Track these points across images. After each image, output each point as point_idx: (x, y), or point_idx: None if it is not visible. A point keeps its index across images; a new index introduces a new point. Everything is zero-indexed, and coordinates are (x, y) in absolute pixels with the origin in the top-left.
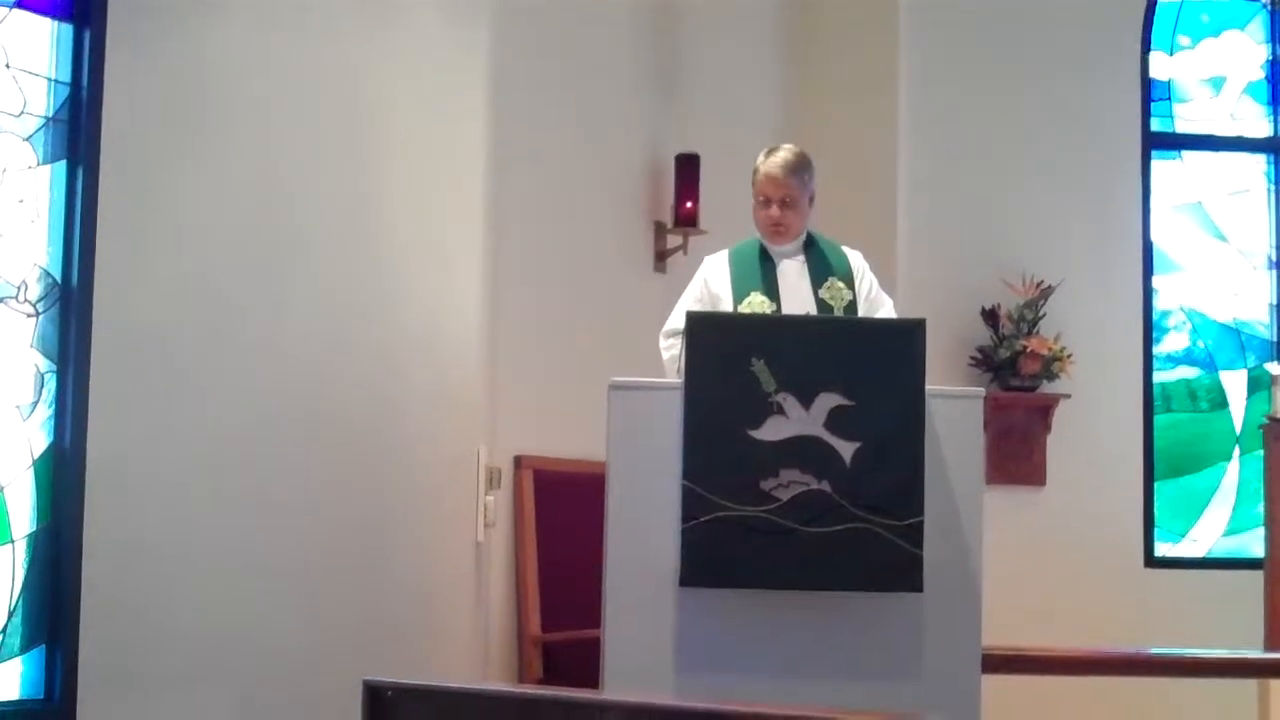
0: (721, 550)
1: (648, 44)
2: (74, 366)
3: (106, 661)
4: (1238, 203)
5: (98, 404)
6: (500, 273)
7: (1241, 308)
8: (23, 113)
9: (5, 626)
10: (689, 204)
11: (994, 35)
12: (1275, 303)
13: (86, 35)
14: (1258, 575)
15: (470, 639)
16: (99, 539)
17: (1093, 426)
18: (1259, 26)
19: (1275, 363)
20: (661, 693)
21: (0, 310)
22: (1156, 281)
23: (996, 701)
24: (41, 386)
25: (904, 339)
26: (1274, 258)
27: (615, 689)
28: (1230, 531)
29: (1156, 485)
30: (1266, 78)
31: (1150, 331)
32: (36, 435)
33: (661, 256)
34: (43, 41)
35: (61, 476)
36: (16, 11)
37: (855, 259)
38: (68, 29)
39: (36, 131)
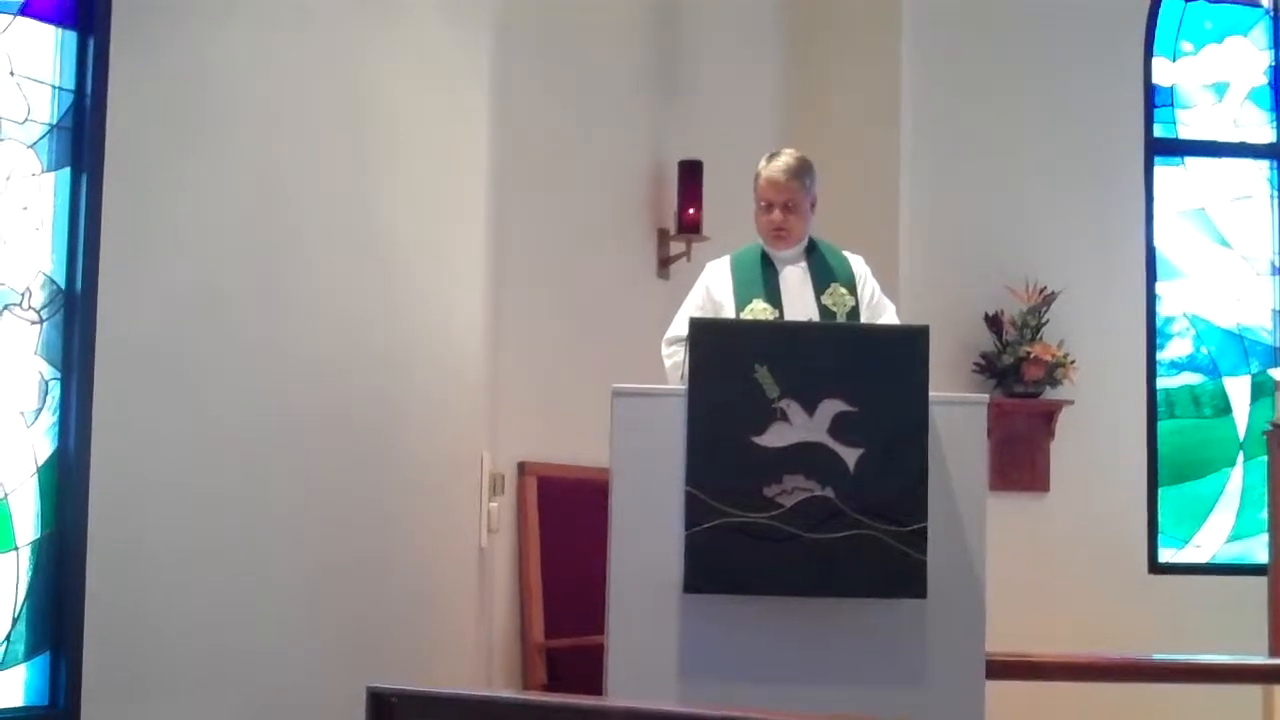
0: (725, 556)
1: (650, 49)
2: (78, 373)
3: (110, 668)
4: (1241, 209)
5: (101, 411)
6: (503, 278)
7: (1245, 314)
8: (27, 120)
9: (9, 633)
10: (692, 210)
11: (996, 41)
12: (1278, 308)
13: (90, 42)
14: (1261, 581)
15: (474, 645)
16: (103, 545)
17: (1096, 432)
18: (1262, 32)
19: (1278, 368)
20: (665, 699)
21: (4, 317)
22: (1160, 287)
23: (1000, 708)
24: (45, 393)
25: (908, 345)
26: (1277, 263)
27: (619, 695)
28: (1234, 537)
29: (1160, 491)
30: (1269, 84)
31: (1154, 337)
32: (40, 442)
33: (665, 263)
34: (47, 49)
35: (65, 483)
36: (21, 19)
37: (857, 264)
38: (72, 36)
39: (41, 138)
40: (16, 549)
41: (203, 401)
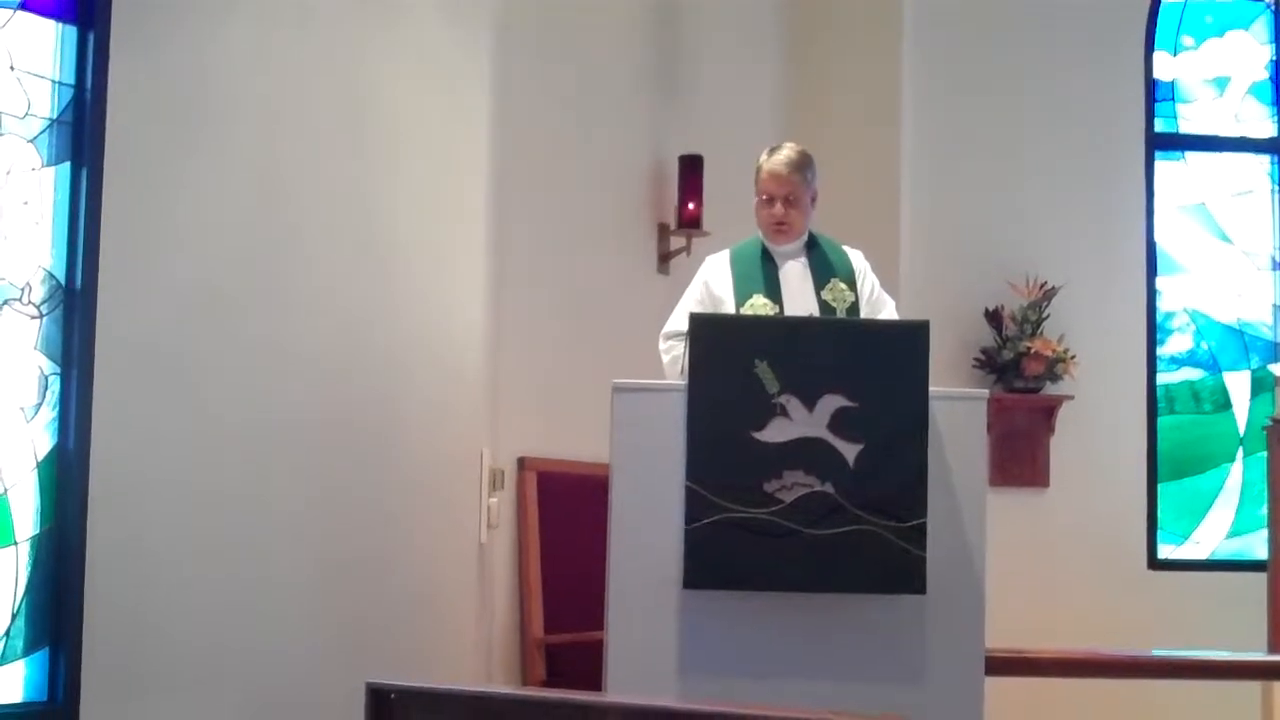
0: (725, 552)
1: (650, 45)
2: (78, 369)
3: (110, 664)
4: (1241, 204)
5: (101, 406)
6: (503, 274)
7: (1245, 309)
8: (27, 114)
9: (9, 629)
10: (692, 205)
11: (997, 37)
12: (1279, 303)
13: (90, 37)
14: (1261, 577)
15: (473, 641)
16: (102, 541)
17: (1096, 428)
18: (1263, 27)
19: (1279, 364)
20: (665, 695)
21: (4, 312)
22: (1160, 283)
23: (999, 703)
24: (45, 389)
25: (908, 341)
26: (1278, 259)
27: (618, 691)
28: (1234, 533)
29: (1160, 487)
30: (1270, 78)
31: (1154, 333)
32: (40, 437)
33: (665, 258)
34: (47, 43)
35: (65, 479)
36: (21, 14)
37: (857, 259)
38: (72, 31)
39: (41, 133)
40: (16, 544)
41: (202, 397)
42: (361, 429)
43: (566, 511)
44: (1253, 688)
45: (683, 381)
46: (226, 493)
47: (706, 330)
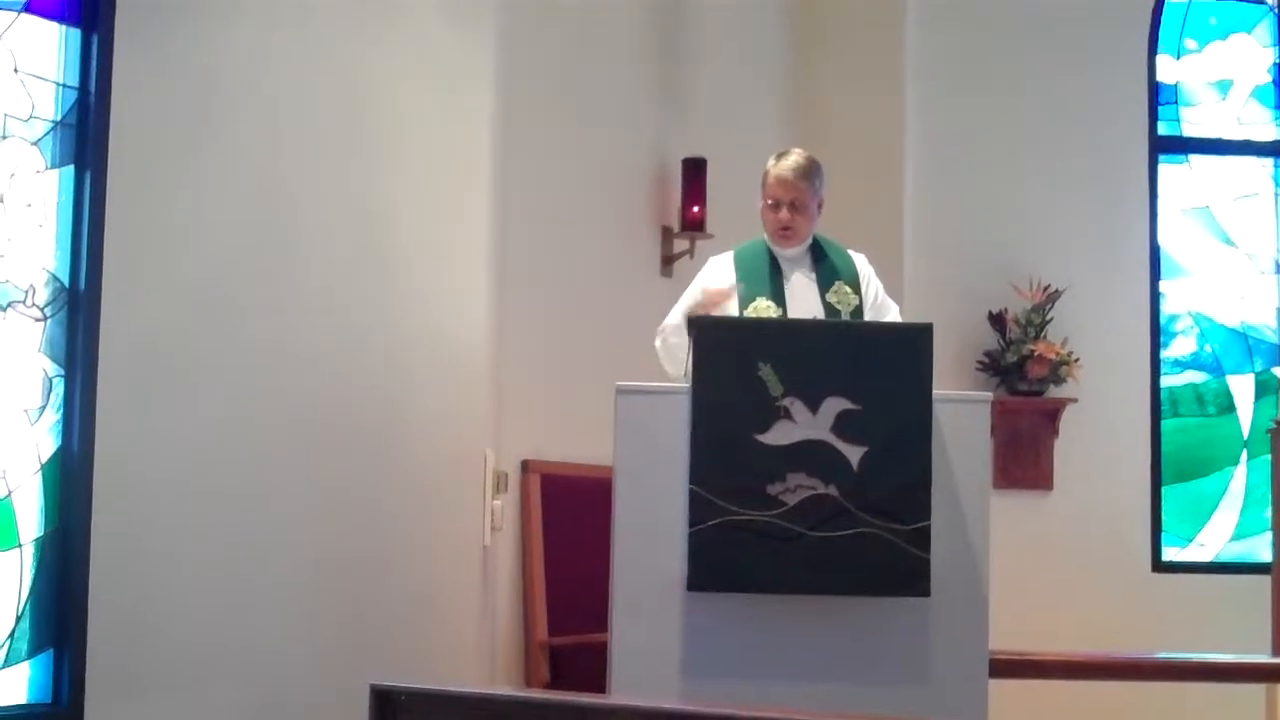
0: (728, 555)
1: (654, 48)
2: (82, 371)
3: (114, 665)
4: (1245, 207)
5: (105, 408)
6: (506, 276)
7: (1249, 312)
8: (31, 117)
9: (13, 631)
10: (696, 208)
11: (1000, 39)
12: None
13: (94, 40)
14: (1265, 580)
15: (476, 643)
16: (106, 543)
17: (1100, 431)
18: (1266, 30)
19: None
20: (668, 697)
21: (8, 315)
22: (1164, 286)
23: (1003, 706)
24: (49, 391)
25: (911, 343)
26: None
27: (622, 693)
28: (1237, 536)
29: (1164, 490)
30: (1274, 81)
31: (1158, 336)
32: (44, 440)
33: (668, 261)
34: (51, 46)
35: (69, 481)
36: (25, 16)
37: (861, 262)
38: (75, 33)
39: (44, 136)
40: (20, 546)
41: (206, 399)
42: (364, 431)
43: (570, 514)
44: (1257, 690)
45: (685, 381)
46: (230, 494)
47: (710, 333)
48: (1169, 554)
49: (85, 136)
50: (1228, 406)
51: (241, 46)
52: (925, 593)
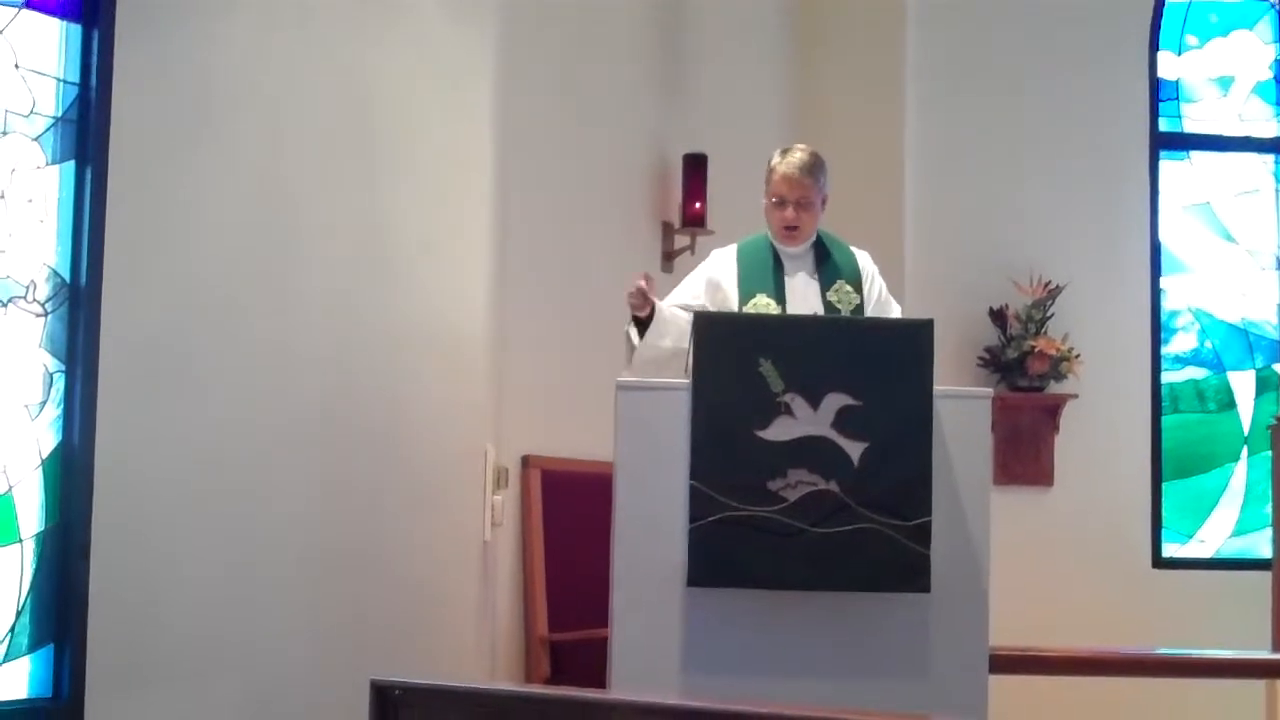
0: (729, 550)
1: (655, 44)
2: (82, 366)
3: (114, 660)
4: (1246, 203)
5: (106, 404)
6: (507, 272)
7: (1249, 308)
8: (31, 113)
9: (14, 625)
10: (696, 204)
11: (1001, 35)
12: None
13: (95, 35)
14: (1265, 576)
15: (477, 638)
16: (107, 538)
17: (1100, 427)
18: (1267, 26)
19: None
20: (669, 692)
21: (9, 310)
22: (1164, 282)
23: (1004, 702)
24: (50, 386)
25: (912, 339)
26: None
27: (623, 689)
28: (1238, 532)
29: (1164, 486)
30: (1275, 77)
31: (1158, 332)
32: (45, 435)
33: (669, 256)
34: (51, 42)
35: (69, 476)
36: (25, 12)
37: (864, 260)
38: (76, 29)
39: (45, 131)
40: (21, 541)
41: (206, 395)
42: (365, 426)
43: (570, 509)
44: (1256, 686)
45: (687, 379)
46: (230, 489)
47: (711, 328)
48: (1169, 550)
49: (86, 132)
50: (1228, 403)
51: (242, 43)
52: (925, 588)
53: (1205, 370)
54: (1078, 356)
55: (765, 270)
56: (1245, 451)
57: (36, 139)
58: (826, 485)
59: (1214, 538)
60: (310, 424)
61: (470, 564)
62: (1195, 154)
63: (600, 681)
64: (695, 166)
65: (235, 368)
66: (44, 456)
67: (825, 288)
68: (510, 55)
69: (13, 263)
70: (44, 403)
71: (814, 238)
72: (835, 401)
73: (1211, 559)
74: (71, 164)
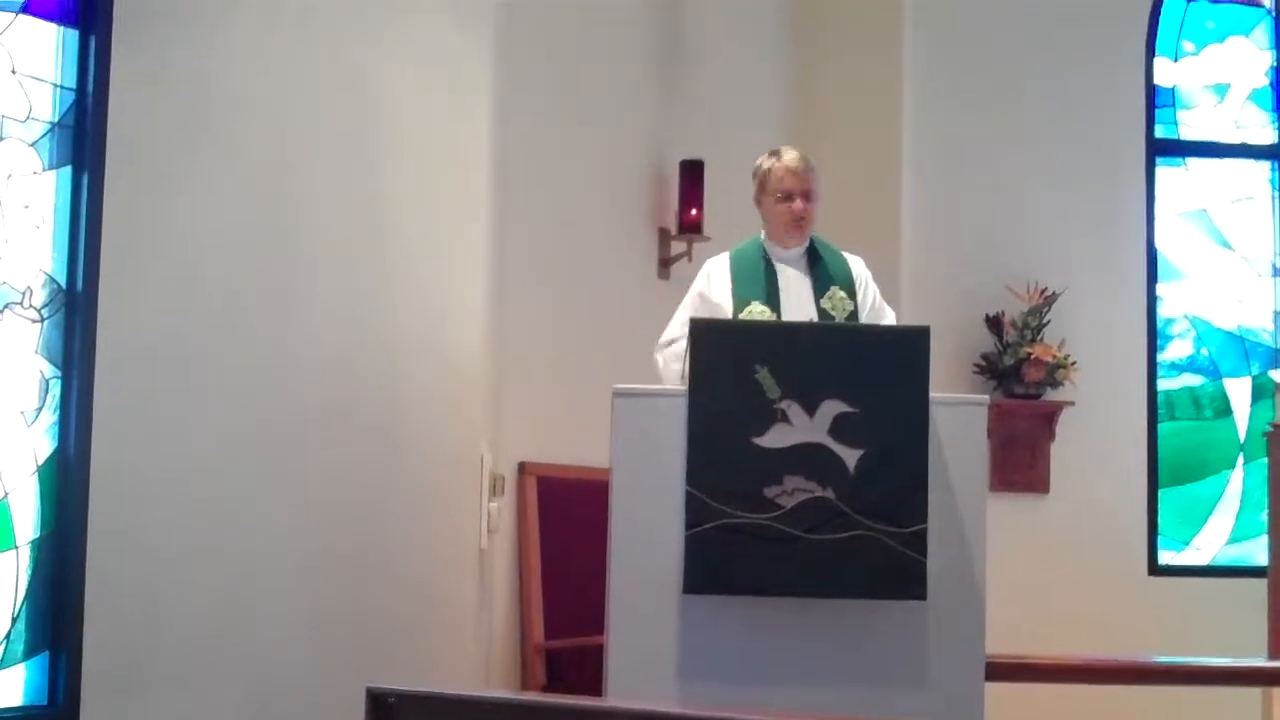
0: (725, 557)
1: (653, 50)
2: (79, 372)
3: (111, 667)
4: (1242, 210)
5: (102, 410)
6: (505, 278)
7: (1245, 315)
8: (28, 118)
9: (9, 632)
10: (693, 210)
11: (997, 41)
12: (1279, 310)
13: (92, 41)
14: (1261, 583)
15: (473, 646)
16: (103, 544)
17: (1097, 434)
18: (1263, 33)
19: (1279, 370)
20: (665, 700)
21: (5, 316)
22: (1160, 289)
23: (999, 709)
24: (46, 392)
25: (908, 346)
26: (1278, 265)
27: (619, 696)
28: (1234, 539)
29: (1160, 493)
30: (1271, 84)
31: (1154, 339)
32: (41, 441)
33: (666, 263)
34: (48, 47)
35: (66, 482)
36: (22, 17)
37: (857, 266)
38: (73, 34)
39: (42, 137)
40: (17, 548)
41: (203, 401)
42: (362, 432)
43: (567, 516)
44: (1253, 694)
45: (684, 387)
46: (227, 496)
47: (707, 336)
48: (1165, 557)
49: (83, 138)
50: (1224, 410)
51: (240, 48)
52: (922, 596)
53: (1201, 377)
54: (1074, 363)
55: (759, 277)
56: (1241, 458)
57: (33, 144)
58: (823, 492)
59: (1210, 545)
60: (306, 431)
61: (466, 570)
62: (1191, 160)
63: (596, 689)
64: (692, 173)
65: (232, 373)
66: (40, 462)
67: (819, 294)
68: (509, 60)
69: (9, 268)
70: (40, 409)
71: (807, 242)
72: (831, 409)
73: (1207, 566)
74: (68, 169)
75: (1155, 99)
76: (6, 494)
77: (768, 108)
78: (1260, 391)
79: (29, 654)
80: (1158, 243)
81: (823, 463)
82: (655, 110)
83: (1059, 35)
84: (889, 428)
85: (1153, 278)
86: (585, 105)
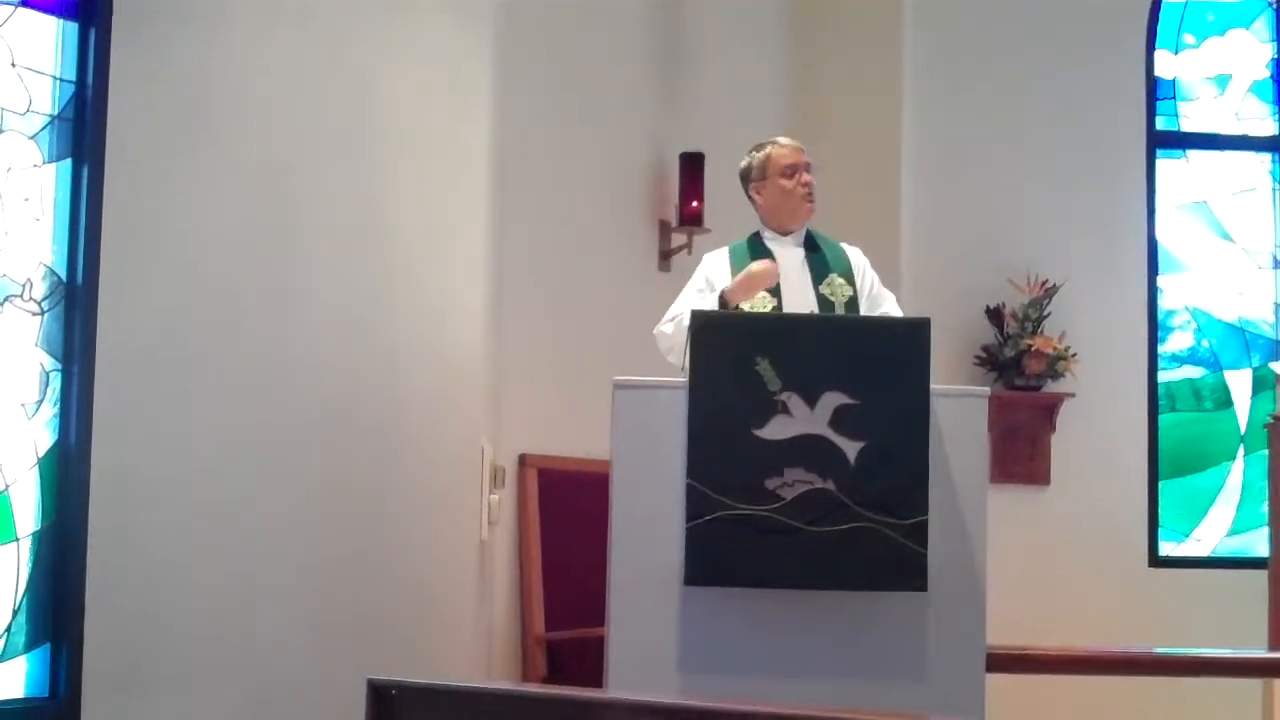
0: (726, 549)
1: (653, 43)
2: (79, 365)
3: (111, 660)
4: (1243, 202)
5: (102, 403)
6: (505, 271)
7: (1246, 307)
8: (28, 111)
9: (10, 625)
10: (694, 203)
11: (998, 34)
12: None
13: (92, 34)
14: (1262, 575)
15: (474, 638)
16: (103, 538)
17: (1097, 426)
18: (1264, 25)
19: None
20: (666, 691)
21: (5, 309)
22: (1161, 281)
23: (1000, 701)
24: (46, 385)
25: (909, 338)
26: (1279, 257)
27: (619, 688)
28: (1234, 531)
29: (1161, 484)
30: (1271, 76)
31: (1155, 331)
32: (41, 434)
33: (666, 255)
34: (48, 40)
35: (66, 475)
36: (22, 10)
37: (855, 255)
38: (73, 27)
39: (42, 130)
40: (17, 541)
41: (203, 394)
42: (362, 426)
43: (567, 508)
44: (1253, 685)
45: (684, 378)
46: (227, 489)
47: (708, 328)
48: (1166, 549)
49: (82, 131)
50: (1225, 401)
51: (240, 42)
52: (922, 588)
53: (1202, 369)
54: (1074, 355)
55: None
56: (1242, 450)
57: (33, 137)
58: (823, 484)
59: (1211, 536)
60: (306, 424)
61: (467, 563)
62: (1192, 153)
63: (597, 681)
64: (692, 165)
65: (232, 367)
66: (40, 455)
67: (818, 281)
68: (509, 55)
69: (9, 261)
70: (40, 402)
71: (804, 232)
72: (832, 400)
73: (1208, 558)
74: (68, 162)
75: (1156, 91)
76: (7, 487)
77: (768, 107)
78: (1261, 383)
79: (30, 647)
80: (1158, 235)
81: (823, 454)
82: (655, 110)
83: (1059, 28)
84: (889, 420)
85: (1153, 270)
86: (585, 105)
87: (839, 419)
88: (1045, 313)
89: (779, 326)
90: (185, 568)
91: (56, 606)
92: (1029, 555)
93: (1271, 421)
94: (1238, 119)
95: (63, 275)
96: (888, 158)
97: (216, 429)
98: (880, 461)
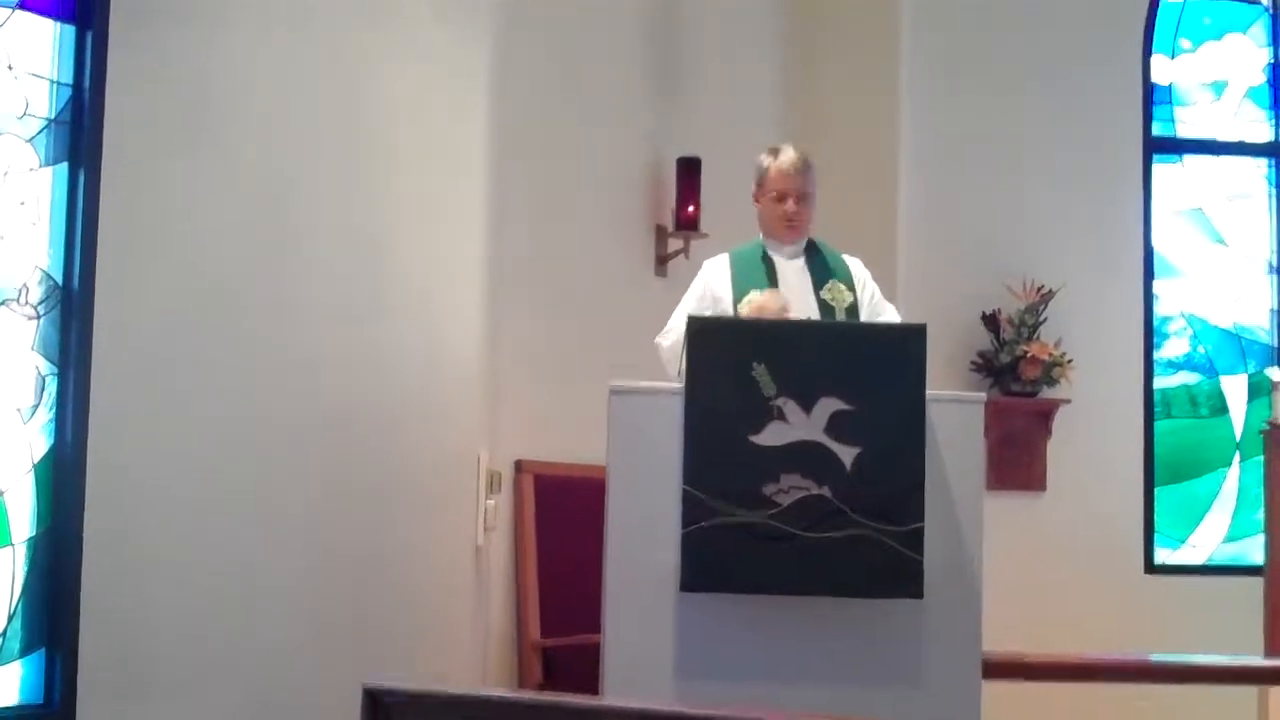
0: (722, 555)
1: (649, 47)
2: (75, 369)
3: (106, 666)
4: (1239, 207)
5: (98, 407)
6: (501, 276)
7: (1242, 313)
8: (25, 114)
9: (5, 630)
10: (690, 208)
11: (995, 39)
12: (1276, 308)
13: (89, 37)
14: (1258, 582)
15: (470, 644)
16: (99, 543)
17: (1093, 432)
18: (1261, 30)
19: (1276, 368)
20: (661, 698)
21: (1, 313)
22: (1157, 286)
23: (996, 708)
24: (42, 389)
25: (905, 344)
26: (1275, 263)
27: (615, 694)
28: (1230, 538)
29: (1157, 491)
30: (1268, 81)
31: (1151, 337)
32: (37, 438)
33: (662, 260)
34: (45, 43)
35: (62, 480)
36: (19, 13)
37: (856, 265)
38: (70, 31)
39: (38, 133)
40: (12, 545)
41: (199, 399)
42: (358, 431)
43: (563, 514)
44: (1249, 692)
45: (680, 383)
46: (224, 494)
47: (704, 333)
48: (1161, 556)
49: (79, 134)
50: (1221, 408)
51: (237, 45)
52: (918, 594)
53: (1198, 375)
54: (1070, 361)
55: (758, 270)
56: (1238, 457)
57: (29, 141)
58: (819, 490)
59: (1206, 543)
60: (303, 429)
61: (463, 569)
62: (1188, 158)
63: (593, 687)
64: (689, 170)
65: (228, 371)
66: (36, 460)
67: (818, 286)
68: (506, 59)
69: (5, 265)
70: (36, 406)
71: (806, 241)
72: (828, 406)
73: (1204, 565)
74: (65, 166)
75: (1153, 96)
76: (2, 491)
77: (766, 107)
78: (1257, 389)
79: (24, 652)
80: (1154, 240)
81: (820, 460)
82: (653, 110)
83: (1056, 33)
84: (886, 425)
85: (1149, 275)
86: (582, 103)
87: (835, 425)
88: (1041, 318)
89: (775, 332)
90: (182, 572)
91: (52, 612)
92: (1025, 562)
93: (1267, 428)
94: (1234, 124)
95: (59, 279)
96: (885, 162)
97: (212, 434)
98: (876, 467)
